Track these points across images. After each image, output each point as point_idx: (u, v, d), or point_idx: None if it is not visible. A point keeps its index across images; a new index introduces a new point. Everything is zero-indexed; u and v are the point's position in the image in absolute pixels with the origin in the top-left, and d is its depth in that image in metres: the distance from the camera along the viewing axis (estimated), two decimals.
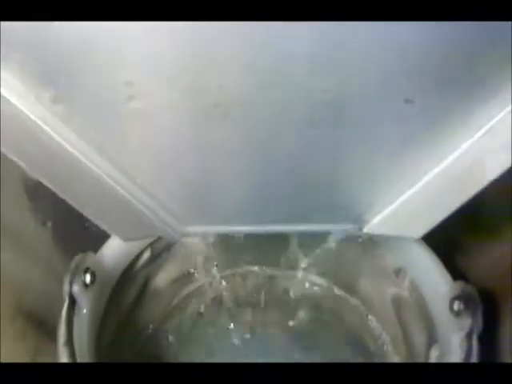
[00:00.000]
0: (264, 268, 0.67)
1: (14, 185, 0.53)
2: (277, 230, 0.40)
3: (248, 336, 0.64)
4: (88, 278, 0.43)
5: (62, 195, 0.33)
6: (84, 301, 0.43)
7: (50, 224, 0.57)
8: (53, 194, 0.57)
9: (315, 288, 0.66)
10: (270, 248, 0.63)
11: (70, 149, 0.32)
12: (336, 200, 0.39)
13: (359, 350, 0.63)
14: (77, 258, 0.43)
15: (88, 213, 0.34)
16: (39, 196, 0.56)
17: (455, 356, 0.42)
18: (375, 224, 0.38)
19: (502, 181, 0.41)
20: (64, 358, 0.38)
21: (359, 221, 0.39)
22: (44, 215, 0.57)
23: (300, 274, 0.67)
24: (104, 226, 0.36)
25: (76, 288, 0.41)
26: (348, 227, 0.40)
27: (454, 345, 0.43)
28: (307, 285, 0.67)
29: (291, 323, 0.65)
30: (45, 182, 0.33)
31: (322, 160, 0.35)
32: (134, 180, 0.35)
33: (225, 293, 0.65)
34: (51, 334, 0.54)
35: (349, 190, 0.38)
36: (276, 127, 0.32)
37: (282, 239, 0.60)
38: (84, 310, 0.43)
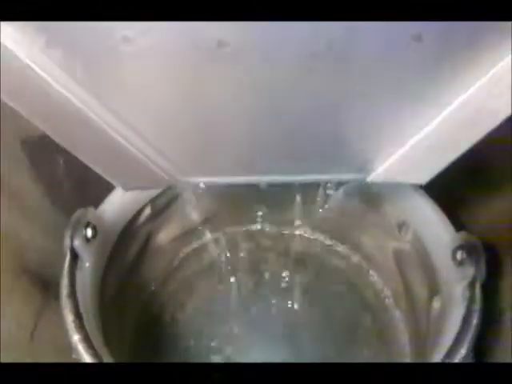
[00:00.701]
0: (266, 225, 0.66)
1: (12, 144, 0.52)
2: (279, 180, 0.39)
3: (249, 292, 0.64)
4: (89, 232, 0.43)
5: (61, 143, 0.32)
6: (86, 255, 0.42)
7: (49, 183, 0.57)
8: (52, 152, 0.56)
9: (317, 245, 0.66)
10: (272, 205, 0.63)
11: (70, 96, 0.31)
12: (339, 149, 0.38)
13: (361, 304, 0.63)
14: (78, 213, 0.43)
15: (88, 161, 0.34)
16: (38, 154, 0.55)
17: (457, 305, 0.42)
18: (380, 173, 0.38)
19: (505, 133, 0.40)
20: (67, 310, 0.38)
21: (363, 170, 0.38)
22: (43, 174, 0.56)
23: (302, 231, 0.67)
24: (104, 175, 0.35)
25: (77, 242, 0.41)
26: (352, 177, 0.39)
27: (456, 295, 0.44)
28: (309, 242, 0.67)
29: (292, 280, 0.65)
30: (45, 130, 0.32)
31: (324, 109, 0.34)
32: (134, 129, 0.34)
33: (226, 251, 0.65)
34: (56, 294, 0.55)
35: (352, 138, 0.37)
36: (277, 74, 0.31)
37: (283, 196, 0.59)
38: (86, 263, 0.43)
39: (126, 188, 0.37)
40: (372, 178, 0.39)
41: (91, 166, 0.34)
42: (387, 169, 0.37)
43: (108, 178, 0.35)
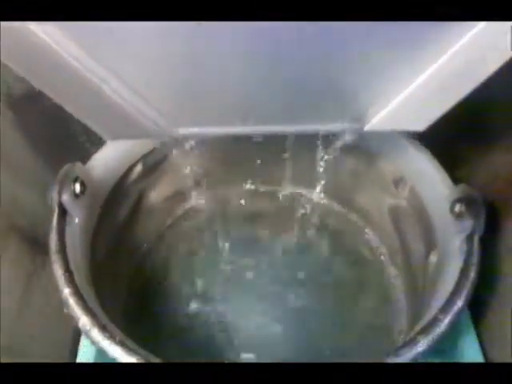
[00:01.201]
0: (259, 184, 0.65)
1: None
2: (272, 130, 0.38)
3: (243, 252, 0.63)
4: (78, 187, 0.41)
5: (47, 93, 0.30)
6: (75, 211, 0.41)
7: (36, 139, 0.55)
8: (39, 108, 0.54)
9: (311, 203, 0.66)
10: (264, 164, 0.62)
11: (57, 47, 0.29)
12: (335, 98, 0.36)
13: (356, 262, 0.63)
14: (65, 168, 0.42)
15: (73, 111, 0.32)
16: (24, 110, 0.53)
17: (455, 259, 0.42)
18: (377, 122, 0.36)
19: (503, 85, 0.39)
20: (57, 265, 0.37)
21: (360, 120, 0.37)
22: (30, 130, 0.54)
23: (295, 189, 0.66)
24: (92, 126, 0.33)
25: (65, 197, 0.40)
26: (348, 127, 0.38)
27: (453, 248, 0.43)
28: (303, 200, 0.66)
29: (286, 238, 0.65)
30: (30, 80, 0.30)
31: (319, 56, 0.33)
32: (122, 78, 0.32)
33: (219, 210, 0.64)
34: (46, 252, 0.54)
35: (347, 87, 0.35)
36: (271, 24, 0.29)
37: (277, 153, 0.58)
38: (75, 219, 0.41)
39: (113, 138, 0.35)
40: (369, 127, 0.37)
41: (77, 115, 0.32)
42: (384, 117, 0.36)
43: (95, 129, 0.34)
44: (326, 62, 0.33)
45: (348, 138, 0.42)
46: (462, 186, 0.45)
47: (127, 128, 0.34)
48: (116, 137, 0.36)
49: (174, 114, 0.36)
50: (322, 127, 0.38)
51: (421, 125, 0.35)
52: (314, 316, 0.58)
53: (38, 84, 0.31)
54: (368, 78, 0.35)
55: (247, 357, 0.54)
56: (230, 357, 0.54)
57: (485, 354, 0.52)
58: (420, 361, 0.36)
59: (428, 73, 0.33)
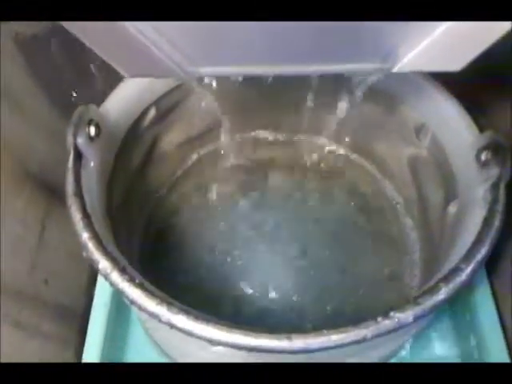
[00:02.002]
0: (276, 132, 0.64)
1: (6, 42, 0.49)
2: (296, 71, 0.36)
3: (257, 199, 0.63)
4: (92, 130, 0.40)
5: (67, 27, 0.29)
6: (90, 154, 0.40)
7: (49, 84, 0.54)
8: (50, 52, 0.53)
9: (328, 152, 0.64)
10: (282, 111, 0.60)
11: None
12: (362, 35, 0.34)
13: (371, 212, 0.62)
14: (79, 110, 0.40)
15: (96, 47, 0.30)
16: (35, 54, 0.52)
17: (478, 208, 0.41)
18: (407, 61, 0.34)
19: None
20: (74, 208, 0.37)
21: (389, 59, 0.35)
22: (42, 75, 0.53)
23: (312, 138, 0.65)
24: (111, 61, 0.32)
25: (81, 140, 0.39)
26: (376, 67, 0.36)
27: (476, 197, 0.42)
28: (319, 149, 0.65)
29: (301, 187, 0.64)
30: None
31: None
32: None
33: (236, 158, 0.63)
34: (61, 197, 0.54)
35: (375, 23, 0.33)
36: None
37: (295, 100, 0.56)
38: (91, 163, 0.41)
39: (131, 75, 0.34)
40: (398, 68, 0.35)
41: (97, 50, 0.31)
42: (415, 56, 0.34)
43: (114, 64, 0.32)
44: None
45: (372, 80, 0.40)
46: (488, 133, 0.43)
47: (147, 65, 0.33)
48: (135, 74, 0.34)
49: (194, 52, 0.34)
50: (350, 67, 0.36)
51: (457, 64, 0.33)
52: (326, 264, 0.58)
53: None
54: None
55: (261, 304, 0.55)
56: (242, 301, 0.55)
57: (498, 308, 0.53)
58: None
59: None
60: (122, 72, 0.33)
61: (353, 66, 0.36)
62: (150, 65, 0.33)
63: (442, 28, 0.32)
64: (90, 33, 0.30)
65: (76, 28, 0.30)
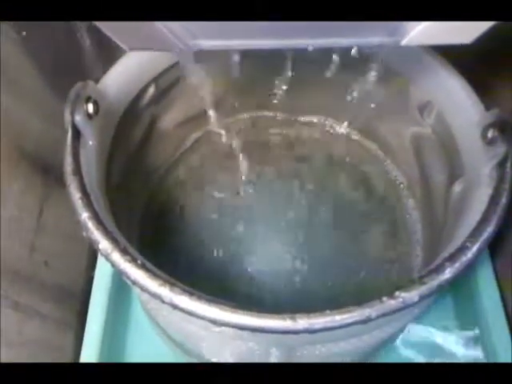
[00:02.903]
0: (278, 111, 0.63)
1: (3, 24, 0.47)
2: (300, 43, 0.35)
3: (258, 180, 0.62)
4: (91, 107, 0.39)
5: None
6: (88, 132, 0.39)
7: (44, 63, 0.53)
8: (46, 31, 0.51)
9: (329, 133, 0.63)
10: (284, 89, 0.59)
11: None
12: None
13: (373, 192, 0.62)
14: (76, 87, 0.39)
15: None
16: (31, 33, 0.50)
17: (484, 186, 0.40)
18: (416, 34, 0.33)
19: None
20: (73, 187, 0.36)
21: (396, 32, 0.34)
22: (38, 54, 0.52)
23: (313, 118, 0.64)
24: (109, 33, 0.31)
25: (79, 117, 0.38)
26: (384, 40, 0.35)
27: (482, 176, 0.41)
28: (321, 129, 0.64)
29: (302, 168, 0.63)
30: None
31: None
32: None
33: (235, 138, 0.62)
34: (58, 178, 0.53)
35: None
36: None
37: (298, 79, 0.55)
38: (89, 142, 0.40)
39: (130, 48, 0.33)
40: (406, 41, 0.34)
41: (97, 23, 0.29)
42: (424, 29, 0.32)
43: (111, 36, 0.31)
44: None
45: (381, 56, 0.39)
46: (494, 111, 0.42)
47: (146, 38, 0.32)
48: (134, 47, 0.33)
49: (194, 24, 0.33)
50: (357, 40, 0.35)
51: (468, 37, 0.32)
52: (328, 245, 0.58)
53: None
54: None
55: (263, 285, 0.54)
56: (243, 282, 0.55)
57: (500, 287, 0.53)
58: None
59: None
60: (121, 44, 0.32)
61: (360, 39, 0.35)
62: (149, 37, 0.32)
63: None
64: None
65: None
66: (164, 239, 0.57)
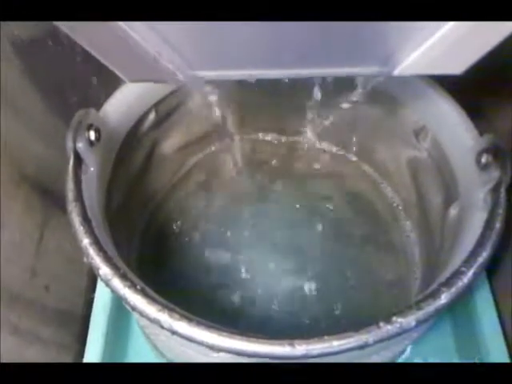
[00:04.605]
0: (274, 134, 0.64)
1: (2, 44, 0.48)
2: (296, 74, 0.36)
3: (257, 201, 0.63)
4: (92, 134, 0.40)
5: (68, 32, 0.28)
6: (90, 159, 0.40)
7: (46, 87, 0.54)
8: (47, 54, 0.52)
9: (326, 154, 0.64)
10: (281, 113, 0.60)
11: None
12: (362, 39, 0.34)
13: (370, 215, 0.62)
14: (78, 114, 0.40)
15: (94, 51, 0.30)
16: (33, 57, 0.51)
17: (479, 211, 0.41)
18: (408, 64, 0.34)
19: None
20: (75, 214, 0.36)
21: (389, 62, 0.35)
22: (39, 78, 0.53)
23: (312, 140, 0.65)
24: (109, 65, 0.32)
25: (81, 145, 0.39)
26: (376, 70, 0.36)
27: (477, 200, 0.42)
28: (319, 151, 0.65)
29: (299, 188, 0.64)
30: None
31: None
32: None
33: (235, 161, 0.63)
34: (58, 202, 0.54)
35: (376, 26, 0.33)
36: None
37: (294, 102, 0.56)
38: (91, 168, 0.40)
39: (131, 79, 0.34)
40: (399, 71, 0.35)
41: (93, 52, 0.30)
42: (416, 60, 0.33)
43: (113, 68, 0.32)
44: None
45: (373, 83, 0.40)
46: (488, 137, 0.43)
47: (147, 70, 0.33)
48: (135, 78, 0.34)
49: (194, 56, 0.34)
50: (350, 70, 0.36)
51: (459, 67, 0.33)
52: (326, 268, 0.58)
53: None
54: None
55: (262, 310, 0.55)
56: (242, 306, 0.55)
57: (498, 309, 0.53)
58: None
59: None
60: (122, 76, 0.33)
61: (353, 69, 0.36)
62: (150, 69, 0.33)
63: (443, 30, 0.32)
64: (89, 36, 0.30)
65: (74, 31, 0.29)
66: (163, 261, 0.58)
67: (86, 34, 0.30)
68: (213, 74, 0.35)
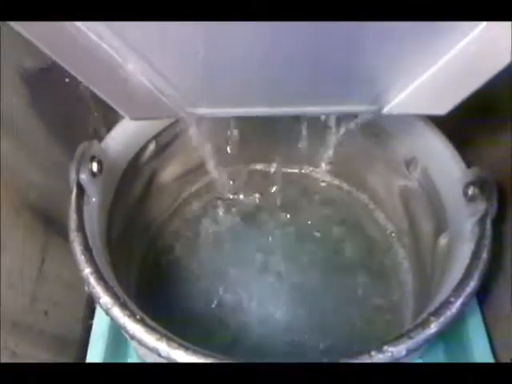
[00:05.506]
0: (270, 163, 0.66)
1: (11, 78, 0.50)
2: (289, 112, 0.38)
3: (254, 230, 0.64)
4: (95, 166, 0.42)
5: (69, 69, 0.30)
6: (92, 190, 0.42)
7: (50, 118, 0.55)
8: (53, 86, 0.54)
9: (321, 182, 0.66)
10: (276, 143, 0.62)
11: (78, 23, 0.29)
12: (352, 79, 0.36)
13: (364, 242, 0.64)
14: (82, 146, 0.42)
15: (94, 87, 0.32)
16: (38, 89, 0.53)
17: (467, 241, 0.42)
18: (395, 104, 0.36)
19: None
20: (76, 243, 0.38)
21: (378, 101, 0.37)
22: (44, 109, 0.55)
23: (307, 169, 0.66)
24: (112, 104, 0.33)
25: (84, 176, 0.40)
26: (365, 108, 0.38)
27: (465, 231, 0.43)
28: (314, 180, 0.66)
29: (294, 217, 0.65)
30: (50, 54, 0.30)
31: (337, 36, 0.32)
32: (142, 56, 0.32)
33: (231, 190, 0.64)
34: (59, 229, 0.55)
35: (365, 67, 0.35)
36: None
37: (289, 133, 0.58)
38: (93, 198, 0.42)
39: (132, 117, 0.35)
40: (387, 110, 0.37)
41: (100, 94, 0.32)
42: (404, 100, 0.36)
43: (114, 106, 0.34)
44: (346, 45, 0.33)
45: (363, 119, 0.42)
46: (474, 169, 0.45)
47: (148, 107, 0.35)
48: (136, 116, 0.36)
49: (193, 94, 0.36)
50: (339, 109, 0.38)
51: (443, 108, 0.35)
52: (319, 295, 0.59)
53: (57, 58, 0.31)
54: (386, 58, 0.34)
55: (257, 338, 0.55)
56: (237, 333, 0.55)
57: (489, 336, 0.53)
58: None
59: (449, 55, 0.33)
60: (124, 114, 0.35)
61: (344, 107, 0.38)
62: (150, 107, 0.35)
63: (429, 72, 0.34)
64: (93, 76, 0.32)
65: (79, 71, 0.31)
66: (161, 287, 0.58)
67: (89, 74, 0.32)
68: (210, 111, 0.37)
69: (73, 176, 0.40)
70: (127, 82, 0.33)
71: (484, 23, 0.30)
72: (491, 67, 0.31)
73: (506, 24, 0.30)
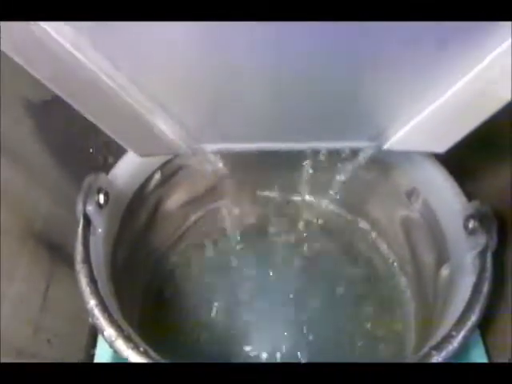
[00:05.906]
0: (274, 192, 0.66)
1: (16, 109, 0.51)
2: (293, 147, 0.39)
3: (256, 258, 0.64)
4: (101, 198, 0.42)
5: (77, 108, 0.31)
6: (99, 220, 0.42)
7: (56, 147, 0.56)
8: (57, 116, 0.55)
9: (324, 212, 0.66)
10: (280, 173, 0.62)
11: (84, 60, 0.30)
12: (354, 116, 0.37)
13: (367, 271, 0.64)
14: (89, 178, 0.43)
15: (104, 127, 0.33)
16: (44, 118, 0.54)
17: (468, 274, 0.43)
18: (396, 141, 0.37)
19: None
20: (82, 275, 0.38)
21: (379, 138, 0.38)
22: (50, 138, 0.56)
23: (310, 198, 0.67)
24: (120, 142, 0.34)
25: (90, 208, 0.41)
26: (367, 144, 0.39)
27: (466, 263, 0.44)
28: (317, 209, 0.67)
29: (298, 246, 0.66)
30: (58, 92, 0.31)
31: (339, 74, 0.33)
32: (149, 95, 0.33)
33: (234, 217, 0.65)
34: (64, 257, 0.55)
35: (367, 105, 0.36)
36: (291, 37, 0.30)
37: (293, 164, 0.59)
38: (99, 229, 0.43)
39: (140, 154, 0.36)
40: (388, 146, 0.38)
41: (106, 131, 0.33)
42: (404, 137, 0.37)
43: (122, 144, 0.35)
44: (347, 83, 0.34)
45: (365, 154, 0.43)
46: (474, 203, 0.45)
47: (155, 144, 0.36)
48: (145, 153, 0.37)
49: (199, 131, 0.37)
50: (341, 145, 0.39)
51: (442, 146, 0.35)
52: (322, 324, 0.59)
53: (60, 92, 0.31)
54: (387, 97, 0.35)
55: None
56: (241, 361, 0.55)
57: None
58: None
59: (449, 94, 0.34)
60: (132, 151, 0.35)
61: (346, 143, 0.39)
62: (158, 144, 0.35)
63: (428, 110, 0.35)
64: (99, 114, 0.33)
65: (87, 110, 0.32)
66: (164, 314, 0.59)
67: (96, 112, 0.33)
68: (216, 146, 0.38)
69: (80, 207, 0.41)
70: (135, 120, 0.34)
71: (484, 62, 0.31)
72: (490, 106, 0.32)
73: (506, 63, 0.30)
